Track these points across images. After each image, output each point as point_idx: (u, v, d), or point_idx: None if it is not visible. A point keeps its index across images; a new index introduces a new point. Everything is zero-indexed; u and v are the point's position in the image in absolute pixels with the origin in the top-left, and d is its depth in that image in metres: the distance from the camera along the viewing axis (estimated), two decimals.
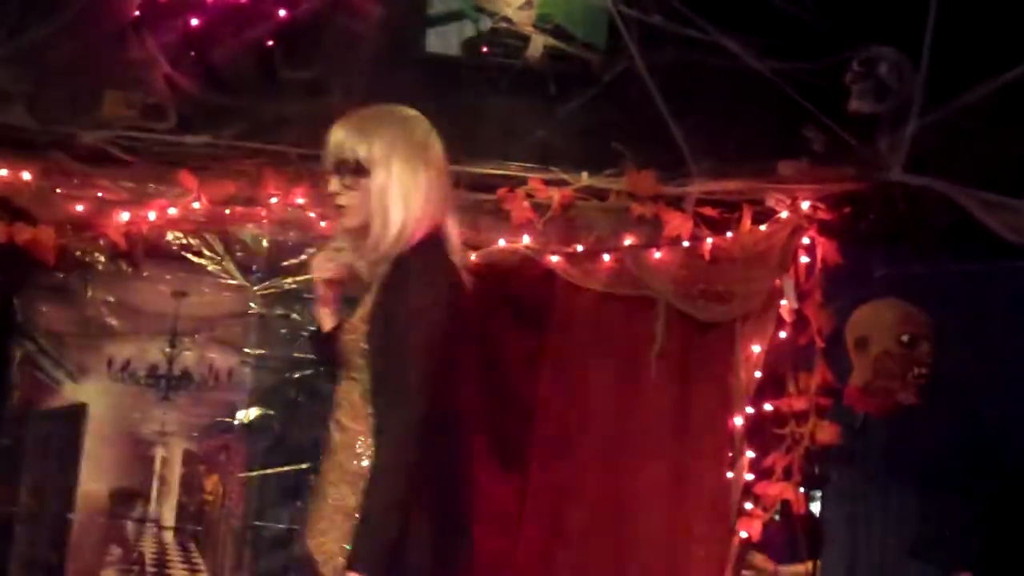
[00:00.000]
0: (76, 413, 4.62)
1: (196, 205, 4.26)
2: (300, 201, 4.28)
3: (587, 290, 4.34)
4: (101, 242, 4.32)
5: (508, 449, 4.40)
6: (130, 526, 4.67)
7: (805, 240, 4.30)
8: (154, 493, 4.62)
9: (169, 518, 4.68)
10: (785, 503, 4.23)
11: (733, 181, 4.27)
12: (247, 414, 4.60)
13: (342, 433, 2.94)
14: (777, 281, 4.30)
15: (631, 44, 4.27)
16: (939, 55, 4.08)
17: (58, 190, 4.25)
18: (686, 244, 4.29)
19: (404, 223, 2.90)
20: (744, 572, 4.24)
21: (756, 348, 4.29)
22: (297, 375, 4.57)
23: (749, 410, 4.29)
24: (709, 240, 4.29)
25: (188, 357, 4.61)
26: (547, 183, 4.32)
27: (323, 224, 4.28)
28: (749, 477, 4.26)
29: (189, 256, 4.51)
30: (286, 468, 4.59)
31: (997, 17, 4.21)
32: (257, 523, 4.57)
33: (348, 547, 2.80)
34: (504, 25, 4.42)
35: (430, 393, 2.81)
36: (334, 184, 2.96)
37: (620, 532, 4.34)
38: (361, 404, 2.92)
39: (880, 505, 3.98)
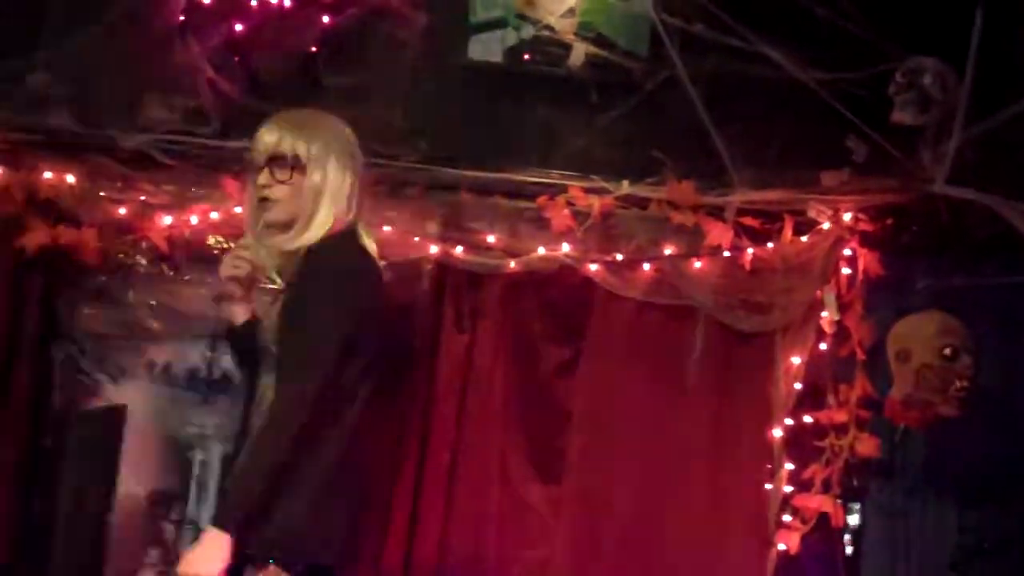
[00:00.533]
0: (116, 415, 4.64)
1: (237, 209, 4.27)
2: None
3: (626, 299, 4.34)
4: (143, 245, 4.35)
5: (545, 457, 4.40)
6: (168, 528, 4.69)
7: (847, 251, 4.28)
8: (192, 495, 4.63)
9: (207, 520, 4.69)
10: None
11: (774, 191, 4.26)
12: None
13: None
14: (818, 292, 4.28)
15: (673, 53, 4.27)
16: (984, 66, 4.05)
17: (101, 193, 4.29)
18: (727, 254, 4.28)
19: (328, 222, 3.12)
20: None
21: (796, 359, 4.27)
22: None
23: (788, 422, 4.26)
24: (750, 250, 4.27)
25: (228, 360, 4.62)
26: (587, 191, 4.32)
27: None
28: (788, 489, 4.24)
29: None
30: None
31: None
32: None
33: None
34: (546, 33, 4.41)
35: (324, 369, 2.98)
36: (264, 177, 3.14)
37: (657, 543, 4.31)
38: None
39: (919, 518, 3.96)
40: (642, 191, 4.33)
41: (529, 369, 4.40)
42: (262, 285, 3.36)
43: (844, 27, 4.24)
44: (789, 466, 4.25)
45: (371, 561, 4.21)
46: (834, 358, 4.27)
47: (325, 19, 4.38)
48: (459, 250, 4.31)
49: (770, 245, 4.29)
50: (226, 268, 3.25)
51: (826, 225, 4.28)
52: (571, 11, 4.40)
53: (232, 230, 4.31)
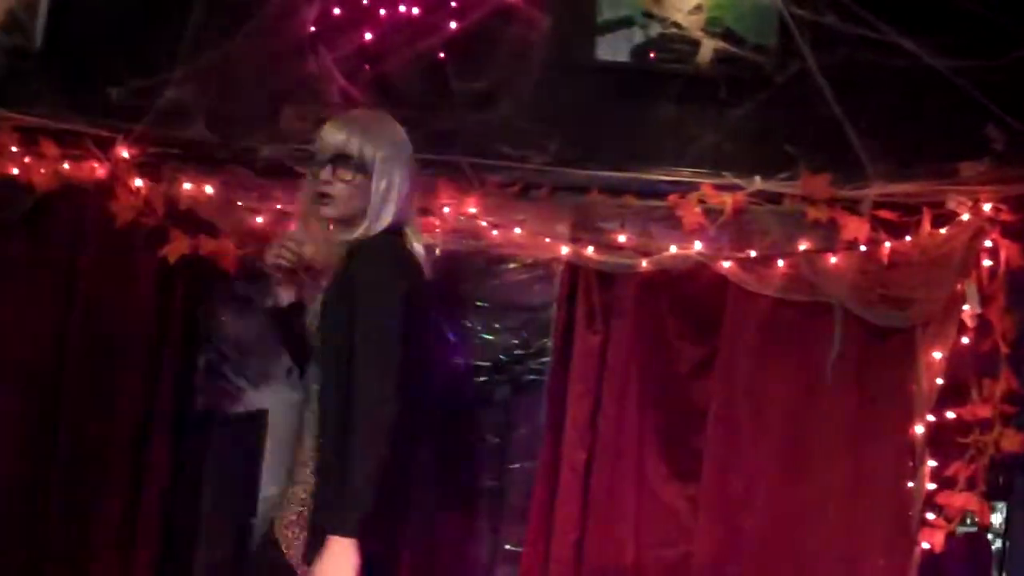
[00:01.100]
0: (257, 419, 4.73)
1: None
2: (472, 210, 4.34)
3: (761, 296, 4.29)
4: None
5: (681, 455, 4.38)
6: None
7: (987, 243, 4.18)
8: None
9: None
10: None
11: (911, 183, 4.17)
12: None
13: (313, 419, 3.18)
14: (959, 285, 4.18)
15: (803, 46, 4.21)
16: None
17: (239, 203, 4.38)
18: (863, 248, 4.21)
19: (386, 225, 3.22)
20: None
21: (937, 355, 4.18)
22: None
23: (930, 418, 4.18)
24: (887, 244, 4.20)
25: None
26: (719, 188, 4.29)
27: (495, 233, 4.34)
28: (931, 487, 4.16)
29: None
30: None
31: None
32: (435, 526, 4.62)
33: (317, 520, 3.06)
34: (673, 31, 4.39)
35: (392, 358, 3.05)
36: (326, 174, 3.23)
37: (797, 542, 4.27)
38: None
39: None
40: (775, 187, 4.28)
41: (664, 368, 4.38)
42: (306, 275, 3.42)
43: (979, 12, 4.14)
44: (932, 463, 4.17)
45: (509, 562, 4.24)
46: (977, 352, 4.18)
47: (452, 25, 4.41)
48: (590, 250, 4.31)
49: (908, 238, 4.20)
50: (270, 256, 3.33)
51: (965, 216, 4.18)
52: (698, 7, 4.36)
53: None
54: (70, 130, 4.41)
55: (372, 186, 3.23)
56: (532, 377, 4.56)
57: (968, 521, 4.22)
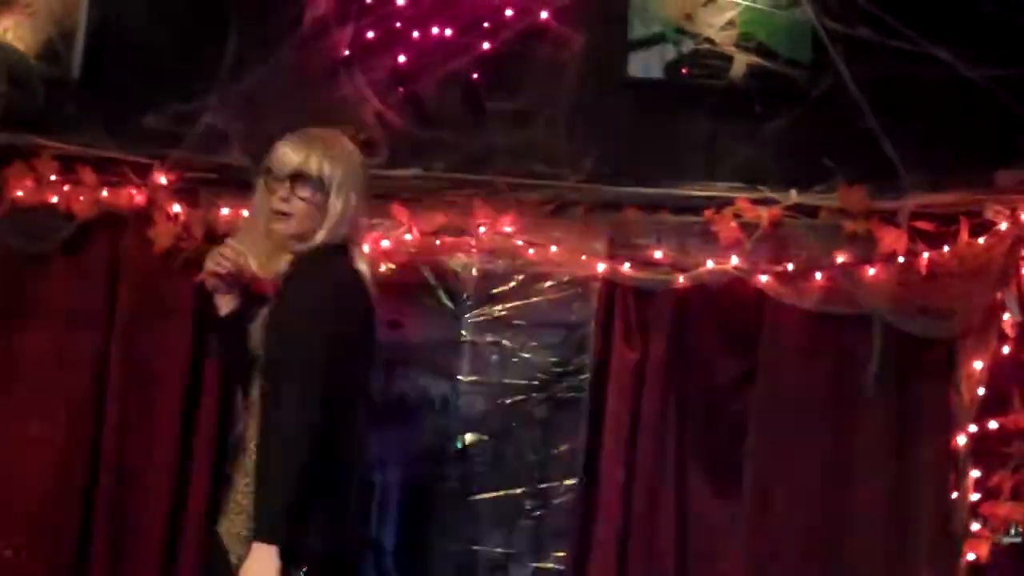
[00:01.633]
0: None
1: (408, 236, 4.37)
2: (508, 229, 4.35)
3: (799, 310, 4.28)
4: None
5: (722, 471, 4.37)
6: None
7: None
8: (374, 518, 4.69)
9: (389, 543, 4.76)
10: None
11: (949, 193, 4.16)
12: (461, 440, 4.66)
13: (253, 426, 3.24)
14: (998, 295, 4.16)
15: (837, 58, 4.21)
16: None
17: None
18: (901, 260, 4.20)
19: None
20: None
21: (978, 364, 4.16)
22: (509, 401, 4.61)
23: (973, 428, 4.16)
24: (925, 255, 4.18)
25: (403, 385, 4.69)
26: (755, 202, 4.29)
27: (531, 251, 4.35)
28: (975, 497, 4.13)
29: (402, 286, 4.59)
30: (501, 493, 4.62)
31: None
32: (475, 547, 4.62)
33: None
34: (706, 46, 4.40)
35: (319, 369, 3.08)
36: (284, 191, 3.25)
37: (839, 555, 4.25)
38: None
39: None
40: (811, 200, 4.28)
41: (702, 383, 4.38)
42: (244, 285, 3.45)
43: (1013, 20, 4.13)
44: (975, 474, 4.14)
45: None
46: (1018, 361, 4.15)
47: (485, 45, 4.44)
48: (627, 267, 4.32)
49: (946, 249, 4.19)
50: (210, 264, 3.37)
51: (1004, 226, 4.16)
52: (731, 23, 4.38)
53: (403, 257, 4.40)
54: (108, 157, 4.45)
55: (328, 205, 3.27)
56: (571, 395, 4.55)
57: (1013, 531, 4.18)
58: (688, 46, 4.41)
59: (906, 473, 4.24)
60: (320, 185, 3.27)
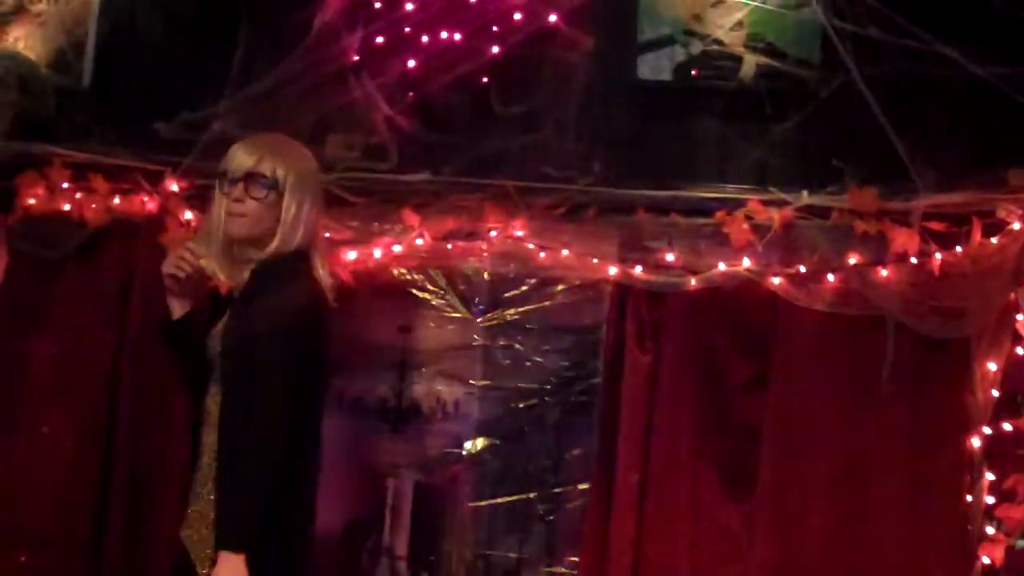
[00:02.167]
0: None
1: (419, 241, 4.37)
2: (519, 233, 4.34)
3: (812, 311, 4.25)
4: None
5: (735, 474, 4.34)
6: (365, 557, 4.77)
7: None
8: (387, 524, 4.70)
9: (402, 548, 4.77)
10: None
11: (960, 193, 4.13)
12: (474, 444, 4.66)
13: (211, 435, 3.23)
14: (1012, 295, 4.13)
15: (846, 58, 4.19)
16: None
17: None
18: (913, 260, 4.17)
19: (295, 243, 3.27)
20: None
21: (992, 366, 4.14)
22: (522, 405, 4.62)
23: (987, 430, 4.13)
24: (938, 255, 4.15)
25: (416, 390, 4.70)
26: (766, 204, 4.27)
27: (542, 255, 4.34)
28: (990, 500, 4.11)
29: (414, 291, 4.60)
30: (514, 497, 4.63)
31: None
32: (488, 552, 4.63)
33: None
34: (715, 48, 4.39)
35: (287, 379, 3.09)
36: (238, 192, 3.26)
37: (853, 557, 4.21)
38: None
39: None
40: (823, 201, 4.26)
41: (716, 386, 4.36)
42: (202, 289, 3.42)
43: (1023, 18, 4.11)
44: (990, 476, 4.12)
45: None
46: None
47: (494, 49, 4.44)
48: (639, 270, 4.31)
49: (959, 249, 4.16)
50: (168, 266, 3.34)
51: (1016, 225, 4.14)
52: (739, 24, 4.37)
53: (415, 261, 4.40)
54: (120, 165, 4.47)
55: (283, 205, 3.27)
56: (583, 399, 4.54)
57: None
58: (697, 47, 4.40)
59: (921, 476, 4.20)
60: (274, 185, 3.28)
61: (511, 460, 4.67)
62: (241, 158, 3.31)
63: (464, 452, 4.72)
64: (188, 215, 4.42)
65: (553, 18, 4.43)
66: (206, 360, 3.31)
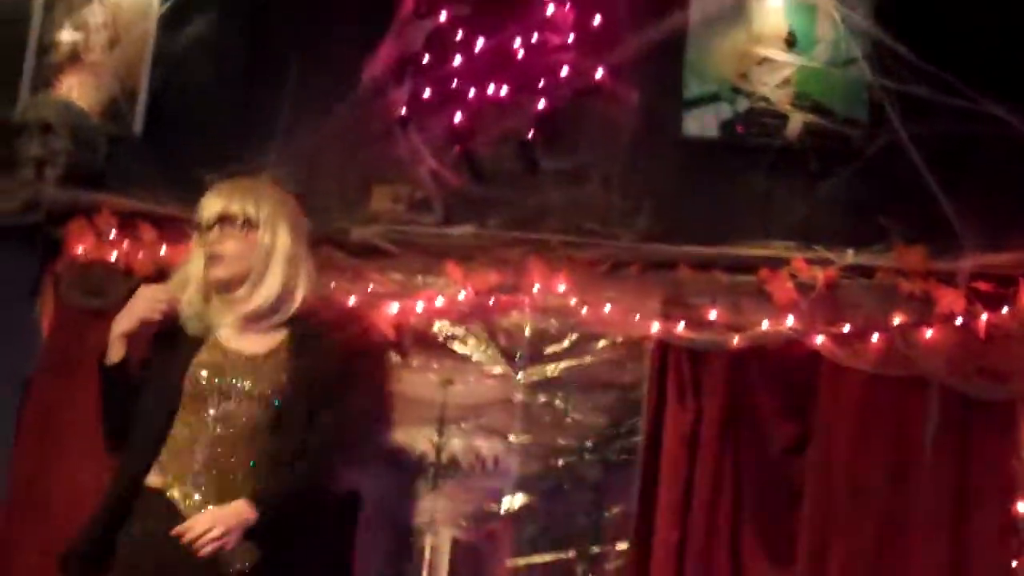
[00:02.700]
0: (350, 501, 4.72)
1: (462, 295, 4.37)
2: (562, 288, 4.34)
3: (855, 372, 4.22)
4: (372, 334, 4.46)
5: (777, 538, 4.28)
6: None
7: None
8: None
9: None
10: None
11: (1008, 253, 4.11)
12: (512, 501, 4.62)
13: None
14: None
15: (893, 117, 4.18)
16: None
17: (332, 284, 4.41)
18: (959, 321, 4.13)
19: (294, 287, 3.33)
20: None
21: None
22: (561, 462, 4.57)
23: None
24: (984, 316, 4.11)
25: (455, 445, 4.67)
26: (810, 262, 4.25)
27: (584, 311, 4.33)
28: None
29: (455, 345, 4.59)
30: (552, 556, 4.57)
31: None
32: None
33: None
34: (761, 105, 4.40)
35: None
36: (214, 235, 3.30)
37: None
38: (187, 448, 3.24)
39: None
40: (868, 259, 4.24)
41: (757, 446, 4.31)
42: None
43: None
44: None
45: None
46: None
47: (540, 104, 4.47)
48: (681, 327, 4.28)
49: (1005, 310, 4.12)
50: (143, 310, 3.33)
51: None
52: (786, 81, 4.38)
53: (457, 315, 4.41)
54: (168, 215, 4.50)
55: (257, 239, 3.31)
56: (623, 457, 4.50)
57: None
58: (743, 105, 4.42)
59: (965, 541, 4.13)
60: (246, 221, 3.32)
61: (550, 518, 4.61)
62: (212, 203, 3.36)
63: (503, 510, 4.67)
64: None
65: (600, 74, 4.47)
66: (128, 403, 3.32)
